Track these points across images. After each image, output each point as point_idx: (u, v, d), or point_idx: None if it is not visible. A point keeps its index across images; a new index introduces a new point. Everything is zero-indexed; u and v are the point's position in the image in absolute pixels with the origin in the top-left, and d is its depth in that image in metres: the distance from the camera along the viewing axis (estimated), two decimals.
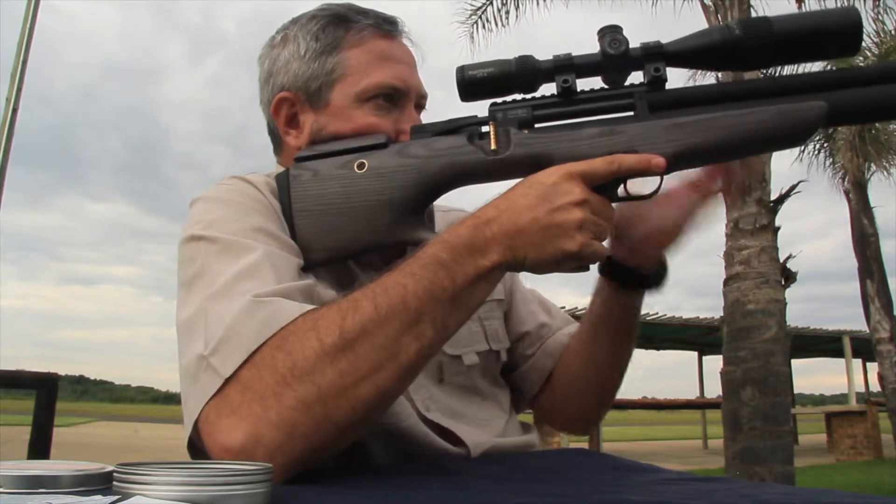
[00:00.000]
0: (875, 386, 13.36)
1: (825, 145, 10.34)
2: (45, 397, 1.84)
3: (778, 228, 4.90)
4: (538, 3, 6.91)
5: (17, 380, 2.06)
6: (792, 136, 0.74)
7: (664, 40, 0.77)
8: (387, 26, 0.92)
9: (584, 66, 0.76)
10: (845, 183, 10.53)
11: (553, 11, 6.97)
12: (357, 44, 0.90)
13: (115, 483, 0.49)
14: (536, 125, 0.78)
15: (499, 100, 0.79)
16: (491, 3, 7.05)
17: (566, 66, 0.76)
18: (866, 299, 9.93)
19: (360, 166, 0.79)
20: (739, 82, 0.78)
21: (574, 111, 0.78)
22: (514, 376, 1.03)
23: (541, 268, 0.72)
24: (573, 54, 0.76)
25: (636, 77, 0.78)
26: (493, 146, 0.77)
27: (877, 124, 9.24)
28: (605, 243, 0.75)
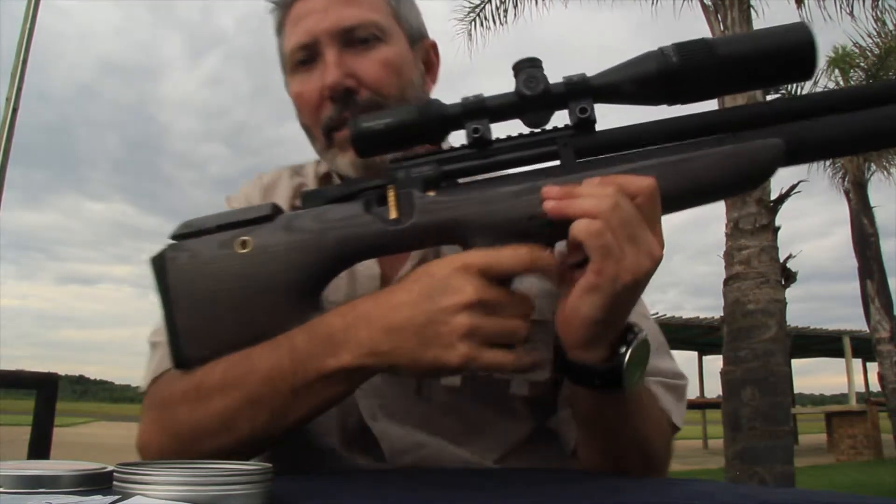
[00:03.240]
0: (875, 386, 13.38)
1: None
2: (45, 397, 1.85)
3: (778, 228, 4.90)
4: (536, 2, 6.93)
5: (17, 380, 2.06)
6: (746, 183, 0.65)
7: (605, 65, 0.66)
8: None
9: (498, 110, 0.65)
10: (845, 183, 10.55)
11: (552, 10, 6.97)
12: (286, 19, 0.87)
13: (115, 483, 0.49)
14: (445, 184, 0.67)
15: (400, 155, 0.69)
16: (489, 1, 7.06)
17: (477, 111, 0.65)
18: (866, 299, 9.94)
19: (244, 245, 0.67)
20: (680, 118, 0.66)
21: (490, 164, 0.67)
22: (555, 419, 0.84)
23: (419, 376, 0.65)
24: (485, 96, 0.66)
25: (563, 116, 0.66)
26: (392, 215, 0.65)
27: None
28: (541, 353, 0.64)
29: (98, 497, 0.48)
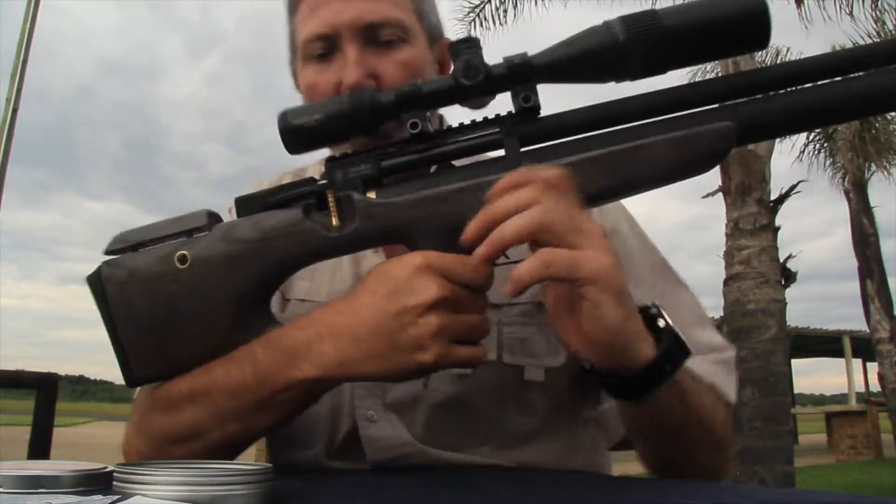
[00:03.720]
0: (875, 386, 13.38)
1: (825, 145, 10.34)
2: (45, 397, 1.84)
3: (778, 228, 4.90)
4: (536, 2, 6.92)
5: (17, 380, 2.06)
6: (696, 167, 0.63)
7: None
8: None
9: (435, 98, 0.63)
10: (845, 183, 10.54)
11: (551, 10, 6.97)
12: (300, 1, 0.82)
13: (115, 483, 0.49)
14: (386, 181, 0.65)
15: (338, 153, 0.66)
16: (489, 1, 7.06)
17: (413, 99, 0.62)
18: (866, 299, 9.93)
19: (182, 259, 0.65)
20: (624, 100, 0.64)
21: (431, 156, 0.65)
22: (598, 411, 0.84)
23: (394, 380, 0.64)
24: (420, 82, 0.63)
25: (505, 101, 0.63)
26: (334, 222, 0.63)
27: (876, 124, 9.27)
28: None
29: (98, 497, 0.48)
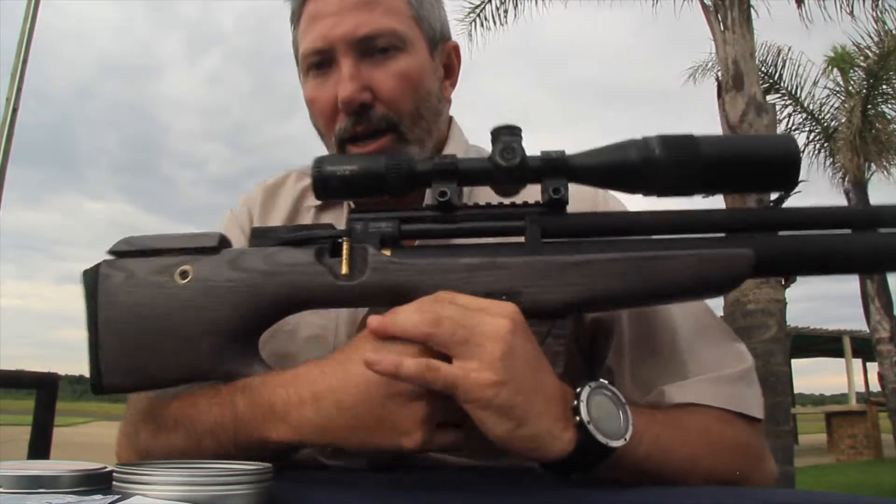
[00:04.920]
0: (875, 386, 13.39)
1: (825, 145, 10.33)
2: (45, 397, 1.85)
3: None
4: (536, 2, 6.92)
5: (17, 380, 2.06)
6: (712, 289, 0.64)
7: (578, 146, 0.64)
8: None
9: (470, 174, 0.64)
10: (845, 183, 10.52)
11: (552, 10, 6.97)
12: (302, 12, 0.82)
13: (114, 483, 0.49)
14: (404, 242, 0.65)
15: (362, 207, 0.68)
16: (489, 1, 7.06)
17: (448, 172, 0.63)
18: (866, 299, 9.92)
19: (184, 274, 0.64)
20: (653, 213, 0.65)
21: (452, 230, 0.66)
22: None
23: (370, 455, 0.64)
24: (458, 158, 0.64)
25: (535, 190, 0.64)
26: (343, 270, 0.63)
27: (877, 124, 9.26)
28: None
29: (98, 497, 0.48)
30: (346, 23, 0.77)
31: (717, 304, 5.04)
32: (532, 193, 0.65)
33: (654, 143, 0.61)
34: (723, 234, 0.65)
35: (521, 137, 0.63)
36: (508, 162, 0.61)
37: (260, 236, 0.67)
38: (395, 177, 0.63)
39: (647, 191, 0.63)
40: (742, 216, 0.66)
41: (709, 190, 0.64)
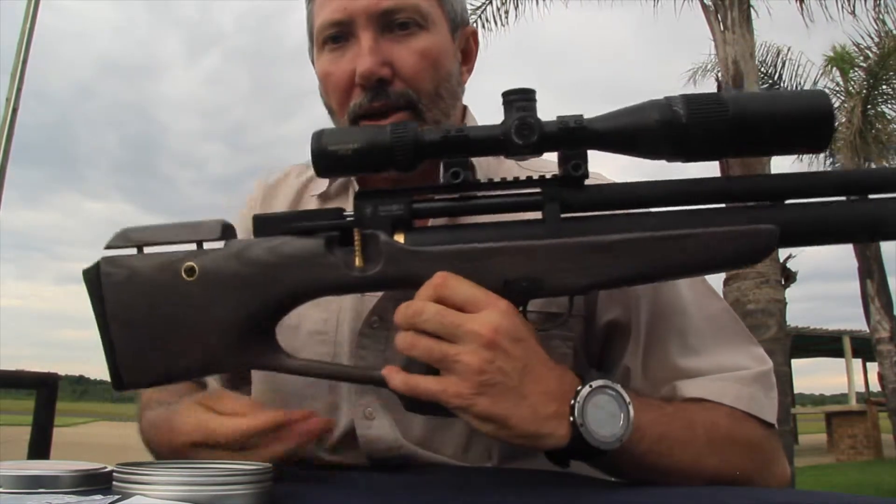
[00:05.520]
0: (875, 386, 13.38)
1: None
2: (45, 397, 1.84)
3: None
4: (537, 3, 6.92)
5: (17, 380, 2.06)
6: (736, 264, 0.62)
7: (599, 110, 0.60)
8: None
9: (481, 145, 0.60)
10: None
11: (552, 10, 6.97)
12: None
13: (114, 483, 0.49)
14: (416, 225, 0.63)
15: (369, 189, 0.64)
16: (490, 2, 7.06)
17: (458, 144, 0.60)
18: (866, 299, 9.92)
19: (189, 271, 0.62)
20: (675, 182, 0.62)
21: (466, 207, 0.63)
22: None
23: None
24: (468, 128, 0.60)
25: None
26: (357, 263, 0.61)
27: (877, 124, 9.27)
28: None
29: (98, 497, 0.48)
30: None
31: None
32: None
33: (678, 104, 0.57)
34: (745, 205, 0.62)
35: (535, 102, 0.59)
36: (524, 139, 0.58)
37: (263, 225, 0.64)
38: (401, 149, 0.59)
39: (672, 156, 0.60)
40: (762, 183, 0.63)
41: (738, 153, 0.61)
